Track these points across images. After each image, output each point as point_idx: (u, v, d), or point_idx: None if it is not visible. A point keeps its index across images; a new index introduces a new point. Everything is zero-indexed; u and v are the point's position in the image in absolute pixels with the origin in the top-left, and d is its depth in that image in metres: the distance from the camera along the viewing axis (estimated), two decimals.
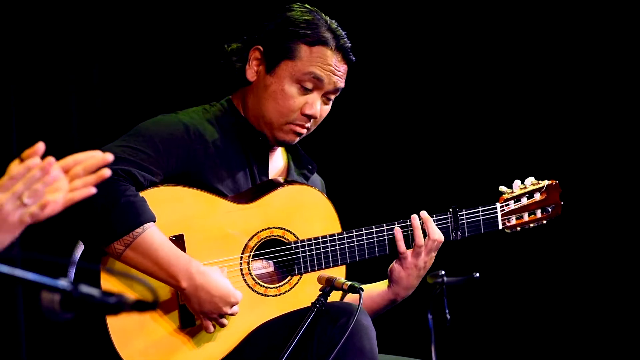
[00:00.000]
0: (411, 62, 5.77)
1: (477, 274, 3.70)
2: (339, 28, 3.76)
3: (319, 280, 3.48)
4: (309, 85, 3.69)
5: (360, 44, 5.65)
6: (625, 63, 5.59)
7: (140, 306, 2.15)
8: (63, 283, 2.17)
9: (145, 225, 3.36)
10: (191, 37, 5.29)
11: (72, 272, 3.51)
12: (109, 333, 3.40)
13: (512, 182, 3.99)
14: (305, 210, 3.69)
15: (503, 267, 5.70)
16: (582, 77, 5.64)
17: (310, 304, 3.44)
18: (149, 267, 3.39)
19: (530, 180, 4.01)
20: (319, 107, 3.71)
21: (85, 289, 2.16)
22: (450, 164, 5.77)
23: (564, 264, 5.72)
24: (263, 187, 3.68)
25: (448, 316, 3.53)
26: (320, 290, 3.44)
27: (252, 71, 3.72)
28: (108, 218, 3.32)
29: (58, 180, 2.42)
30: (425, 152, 5.78)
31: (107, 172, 2.47)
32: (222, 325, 3.49)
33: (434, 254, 3.79)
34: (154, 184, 3.48)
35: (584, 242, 5.67)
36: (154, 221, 3.40)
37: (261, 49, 3.70)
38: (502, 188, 3.97)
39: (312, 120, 3.72)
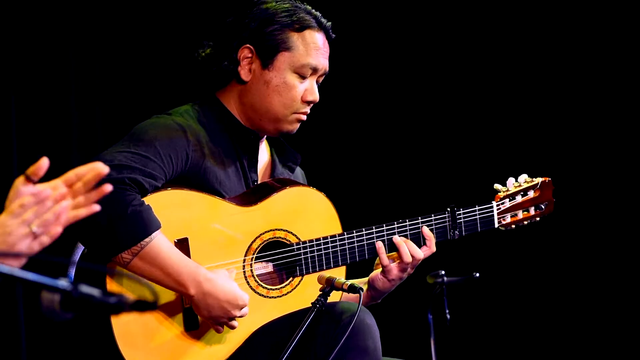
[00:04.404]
0: (405, 62, 5.77)
1: (477, 274, 3.70)
2: (313, 9, 3.78)
3: (319, 280, 3.48)
4: (307, 73, 3.72)
5: (355, 43, 5.67)
6: (613, 58, 5.60)
7: (140, 306, 2.15)
8: (63, 283, 2.17)
9: (152, 235, 3.38)
10: (192, 36, 5.29)
11: (72, 272, 3.51)
12: (115, 337, 3.41)
13: (505, 179, 3.99)
14: (307, 212, 3.70)
15: (503, 267, 5.70)
16: (570, 73, 5.65)
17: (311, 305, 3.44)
18: (157, 275, 3.41)
19: (523, 177, 4.01)
20: (317, 92, 3.75)
21: (85, 289, 2.16)
22: (444, 162, 5.77)
23: (563, 264, 5.72)
24: (265, 188, 3.68)
25: (448, 316, 3.53)
26: (320, 291, 3.45)
27: (245, 71, 3.72)
28: (116, 229, 3.33)
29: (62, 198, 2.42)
30: (419, 151, 5.79)
31: (108, 188, 2.46)
32: (233, 328, 3.52)
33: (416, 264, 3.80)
34: (156, 189, 3.48)
35: (583, 241, 5.67)
36: (160, 227, 3.41)
37: (251, 47, 3.71)
38: (497, 186, 3.98)
39: (310, 105, 3.75)
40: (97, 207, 2.45)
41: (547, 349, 5.74)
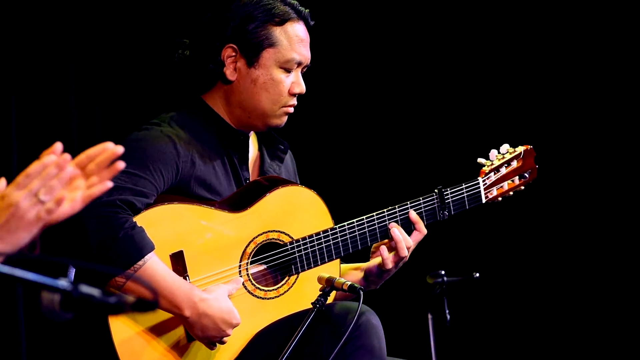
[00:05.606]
0: (383, 52, 5.77)
1: (477, 274, 3.71)
2: None
3: (319, 280, 3.49)
4: (293, 67, 3.73)
5: (334, 31, 5.67)
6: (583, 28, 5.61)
7: (140, 306, 2.15)
8: (63, 283, 2.17)
9: (146, 257, 3.38)
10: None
11: (72, 272, 3.52)
12: (116, 350, 3.43)
13: (487, 151, 4.00)
14: (298, 210, 3.72)
15: (503, 267, 5.70)
16: (536, 43, 5.66)
17: (308, 301, 3.46)
18: (151, 297, 3.42)
19: (505, 147, 4.02)
20: (303, 83, 3.76)
21: (85, 289, 2.16)
22: (425, 143, 5.77)
23: (563, 263, 5.72)
24: (255, 191, 3.69)
25: (448, 316, 3.53)
26: (320, 291, 3.46)
27: (230, 70, 3.72)
28: (109, 253, 3.34)
29: (75, 179, 2.42)
30: (401, 135, 5.79)
31: (121, 165, 2.47)
32: (223, 344, 3.53)
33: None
34: (148, 205, 3.49)
35: (583, 241, 5.68)
36: (153, 248, 3.41)
37: (234, 46, 3.70)
38: (481, 160, 3.99)
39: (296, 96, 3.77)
40: (110, 184, 2.45)
41: (547, 348, 5.74)
